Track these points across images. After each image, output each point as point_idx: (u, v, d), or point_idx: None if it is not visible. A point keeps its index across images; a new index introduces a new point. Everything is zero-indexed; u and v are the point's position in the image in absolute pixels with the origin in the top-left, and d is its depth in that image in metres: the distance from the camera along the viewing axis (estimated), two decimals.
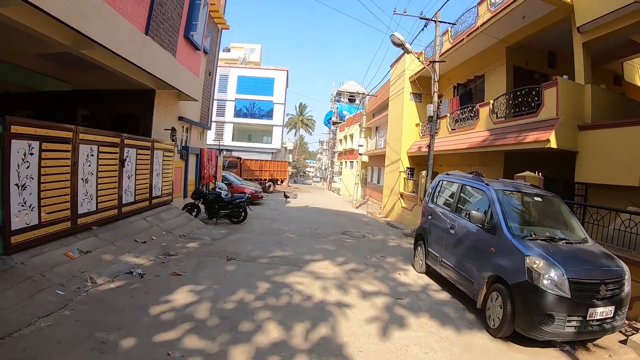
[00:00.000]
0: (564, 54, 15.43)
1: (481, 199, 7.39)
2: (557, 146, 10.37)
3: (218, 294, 6.38)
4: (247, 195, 14.69)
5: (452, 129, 16.90)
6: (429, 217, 9.03)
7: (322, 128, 71.28)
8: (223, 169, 27.64)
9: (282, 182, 37.15)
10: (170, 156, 13.14)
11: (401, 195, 20.13)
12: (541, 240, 6.13)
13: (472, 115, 15.30)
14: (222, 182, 22.19)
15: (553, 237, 6.31)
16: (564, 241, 6.18)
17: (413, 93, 20.79)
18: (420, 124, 20.16)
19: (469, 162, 16.89)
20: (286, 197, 27.70)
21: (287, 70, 52.75)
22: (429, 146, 14.40)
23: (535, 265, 5.45)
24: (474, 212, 6.64)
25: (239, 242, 10.82)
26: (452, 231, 7.62)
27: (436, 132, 18.14)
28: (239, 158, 31.46)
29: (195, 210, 14.10)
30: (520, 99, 12.48)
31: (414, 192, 19.52)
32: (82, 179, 7.75)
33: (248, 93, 50.70)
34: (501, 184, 7.38)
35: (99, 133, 8.42)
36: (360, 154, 25.54)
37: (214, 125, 49.85)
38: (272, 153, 50.42)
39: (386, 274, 8.68)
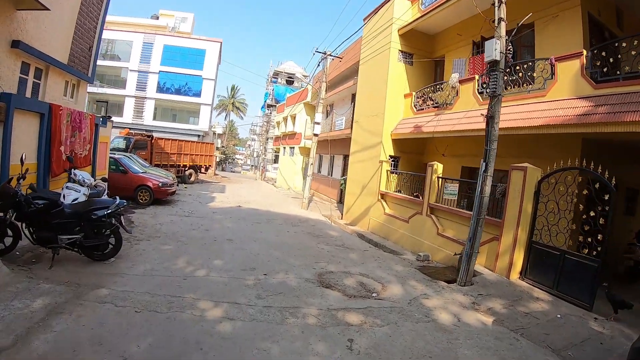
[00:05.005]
0: (630, 17, 10.11)
1: None
2: None
3: None
4: (118, 201, 6.60)
5: (483, 99, 10.14)
6: None
7: (255, 112, 63.18)
8: (127, 150, 19.09)
9: (207, 169, 28.46)
10: None
11: (383, 196, 13.07)
12: None
13: (534, 76, 8.63)
14: (113, 168, 13.75)
15: None
16: None
17: (403, 51, 13.73)
18: (414, 94, 13.19)
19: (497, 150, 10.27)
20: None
21: (221, 42, 43.50)
22: (488, 117, 7.28)
23: None
24: None
25: None
26: None
27: (450, 104, 11.32)
28: (150, 136, 22.31)
29: (12, 233, 6.05)
30: None
31: (399, 191, 12.64)
32: None
33: (175, 65, 40.78)
34: None
35: None
36: (316, 135, 17.94)
37: (131, 101, 40.15)
38: (199, 136, 41.19)
39: None
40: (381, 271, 7.86)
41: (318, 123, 17.75)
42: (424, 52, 13.94)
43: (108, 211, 6.33)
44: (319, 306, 5.44)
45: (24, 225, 6.02)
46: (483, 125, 9.30)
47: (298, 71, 47.28)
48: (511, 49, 7.61)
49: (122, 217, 6.63)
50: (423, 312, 5.69)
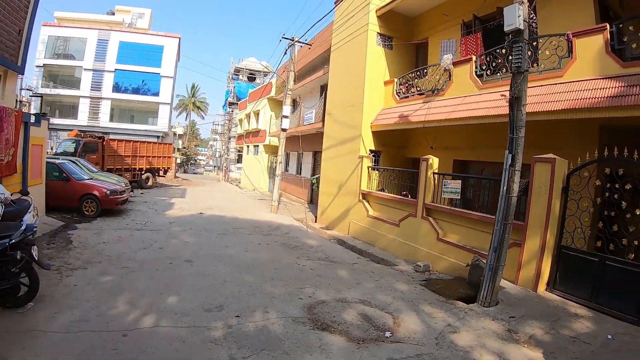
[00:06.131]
0: None
1: None
2: None
3: None
4: (24, 226, 4.41)
5: (483, 82, 8.75)
6: None
7: (217, 111, 60.37)
8: (76, 154, 16.83)
9: (166, 172, 26.09)
10: None
11: (365, 195, 11.55)
12: None
13: (547, 54, 7.33)
14: (56, 175, 11.56)
15: None
16: None
17: (381, 34, 12.23)
18: (396, 80, 11.72)
19: (489, 140, 8.88)
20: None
21: (179, 38, 41.02)
22: (513, 98, 5.60)
23: None
24: None
25: None
26: None
27: (441, 90, 9.90)
28: (102, 138, 19.84)
29: None
30: None
31: (383, 190, 11.16)
32: None
33: (131, 63, 38.13)
34: None
35: None
36: (284, 130, 16.04)
37: (86, 101, 37.12)
38: (159, 137, 38.59)
39: None
40: (383, 294, 6.25)
41: (286, 116, 15.94)
42: (405, 35, 12.50)
43: (11, 241, 4.36)
44: None
45: None
46: (486, 112, 8.05)
47: (260, 66, 45.21)
48: (534, 17, 6.19)
49: (33, 247, 4.69)
50: (460, 357, 4.13)
